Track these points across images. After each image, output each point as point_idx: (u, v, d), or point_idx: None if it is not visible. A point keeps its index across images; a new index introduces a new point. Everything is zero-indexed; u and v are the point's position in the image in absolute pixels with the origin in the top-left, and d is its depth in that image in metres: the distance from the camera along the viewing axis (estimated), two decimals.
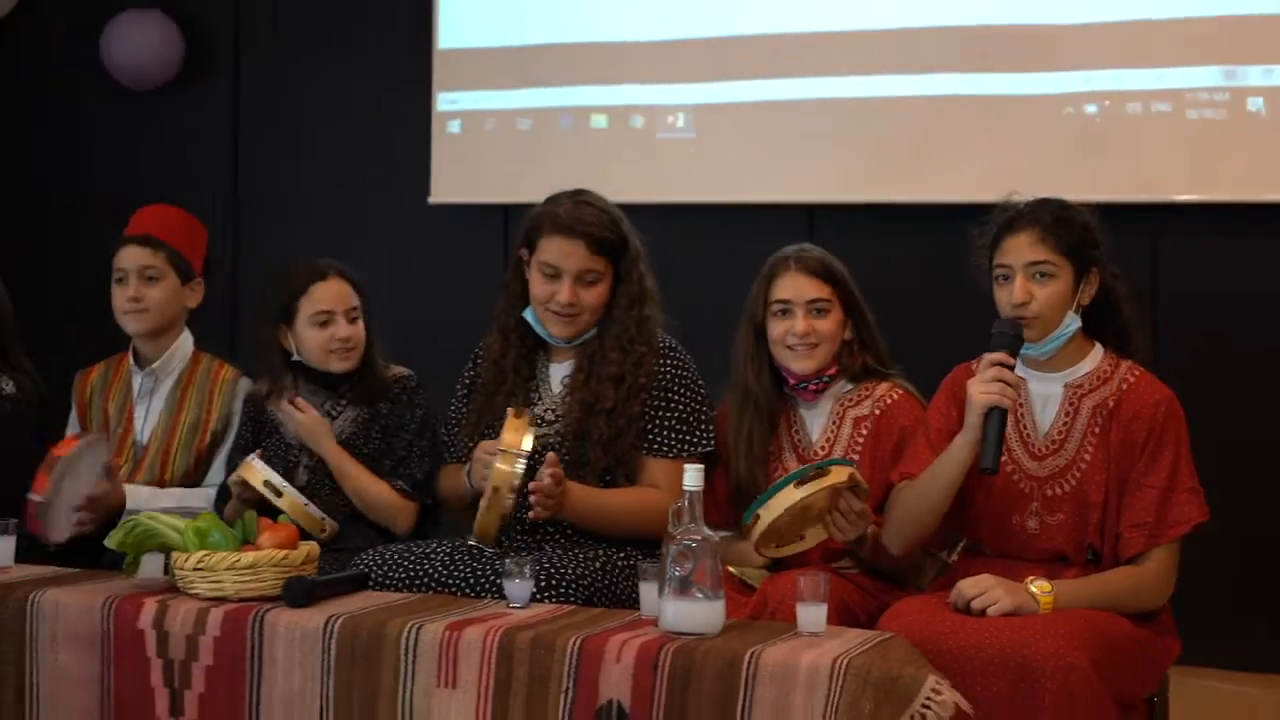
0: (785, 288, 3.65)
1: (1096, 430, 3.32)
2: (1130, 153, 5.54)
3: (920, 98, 5.78)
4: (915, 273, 5.40)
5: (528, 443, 3.52)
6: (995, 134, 5.68)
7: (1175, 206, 5.54)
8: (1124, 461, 3.29)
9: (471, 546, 3.58)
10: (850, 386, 3.67)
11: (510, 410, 3.59)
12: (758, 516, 3.30)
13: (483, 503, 3.53)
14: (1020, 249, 3.33)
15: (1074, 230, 3.35)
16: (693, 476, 3.07)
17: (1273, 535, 5.45)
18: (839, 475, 3.29)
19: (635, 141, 6.12)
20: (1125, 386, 3.34)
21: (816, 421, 3.66)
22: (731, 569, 3.58)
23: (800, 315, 3.62)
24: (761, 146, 5.97)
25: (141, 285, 4.12)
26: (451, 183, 6.34)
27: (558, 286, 3.72)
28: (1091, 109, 5.61)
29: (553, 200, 3.84)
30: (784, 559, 3.51)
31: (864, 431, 3.61)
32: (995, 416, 3.23)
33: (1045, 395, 3.38)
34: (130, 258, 4.14)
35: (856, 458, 3.58)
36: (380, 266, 6.20)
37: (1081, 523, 3.31)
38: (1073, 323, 3.34)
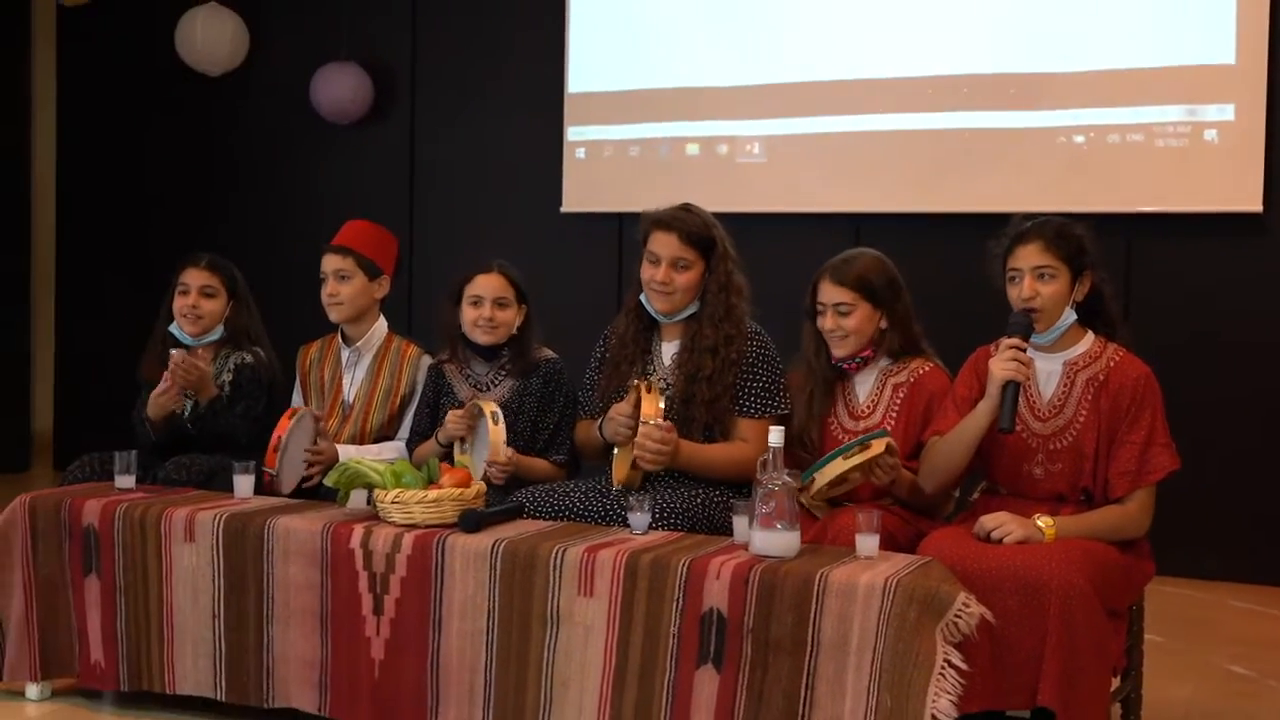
0: (822, 293, 3.58)
1: (1089, 398, 3.25)
2: (1110, 173, 5.48)
3: (945, 130, 5.73)
4: (941, 269, 5.34)
5: (660, 407, 3.52)
6: (1004, 158, 5.62)
7: (1145, 216, 5.47)
8: (1111, 423, 3.23)
9: (613, 490, 3.57)
10: (891, 361, 3.61)
11: (641, 385, 3.56)
12: (814, 479, 3.29)
13: (618, 460, 3.57)
14: (1029, 255, 3.26)
15: (1071, 242, 3.28)
16: (776, 436, 3.05)
17: (1228, 475, 5.40)
18: (877, 449, 3.26)
19: (719, 164, 6.09)
20: (1112, 364, 3.27)
21: (864, 387, 3.60)
22: (804, 500, 3.55)
23: (830, 315, 3.56)
24: (820, 168, 5.94)
25: (336, 284, 4.13)
26: (577, 196, 6.34)
27: (657, 269, 3.70)
28: (1079, 139, 5.54)
29: (651, 212, 3.83)
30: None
31: (900, 396, 3.55)
32: (1011, 388, 3.18)
33: (1048, 371, 3.31)
34: (328, 263, 4.16)
35: (895, 415, 3.53)
36: (523, 261, 6.17)
37: (1077, 470, 3.25)
38: (1070, 315, 3.27)
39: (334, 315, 4.17)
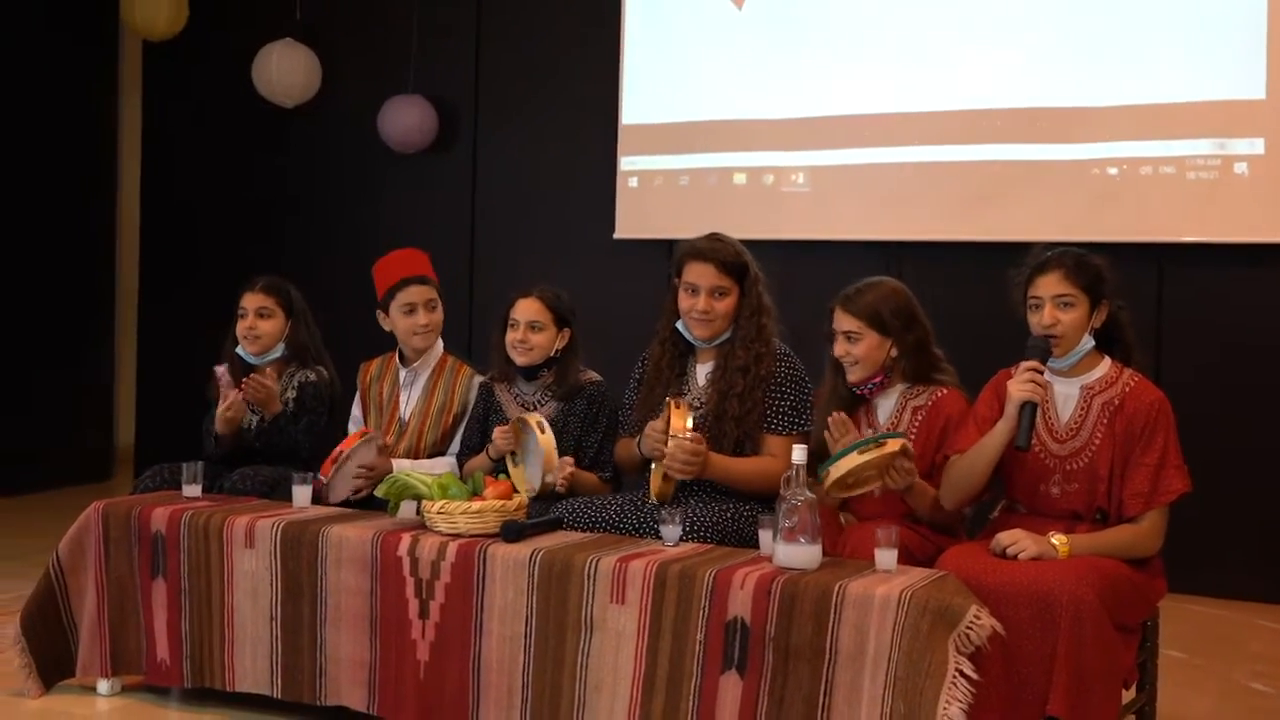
0: (835, 319, 3.61)
1: (1105, 422, 3.27)
2: (1141, 204, 5.47)
3: (981, 161, 5.74)
4: (977, 295, 5.35)
5: (689, 422, 3.58)
6: (1039, 189, 5.63)
7: (1177, 246, 5.46)
8: (1126, 445, 3.25)
9: (650, 504, 3.64)
10: (910, 385, 3.63)
11: (671, 401, 3.62)
12: (829, 472, 3.32)
13: (654, 474, 3.62)
14: (1050, 284, 3.29)
15: (1090, 272, 3.30)
16: (799, 453, 3.09)
17: (1261, 496, 5.37)
18: (892, 447, 3.30)
19: (765, 193, 6.14)
20: (1127, 389, 3.29)
21: (884, 409, 3.63)
22: (842, 519, 3.58)
23: (840, 341, 3.59)
24: (861, 198, 5.97)
25: (428, 313, 4.21)
26: (630, 223, 6.41)
27: (696, 299, 3.76)
28: (1113, 171, 5.53)
29: (693, 239, 3.89)
30: (864, 508, 3.55)
31: (920, 417, 3.58)
32: (1028, 408, 3.21)
33: (1066, 395, 3.34)
34: (418, 294, 4.20)
35: (913, 435, 3.56)
36: (578, 285, 6.24)
37: (1092, 491, 3.27)
38: (1088, 342, 3.30)
39: (424, 343, 4.25)
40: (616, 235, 6.42)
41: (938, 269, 5.66)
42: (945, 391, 3.62)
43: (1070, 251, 3.36)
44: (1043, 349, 3.27)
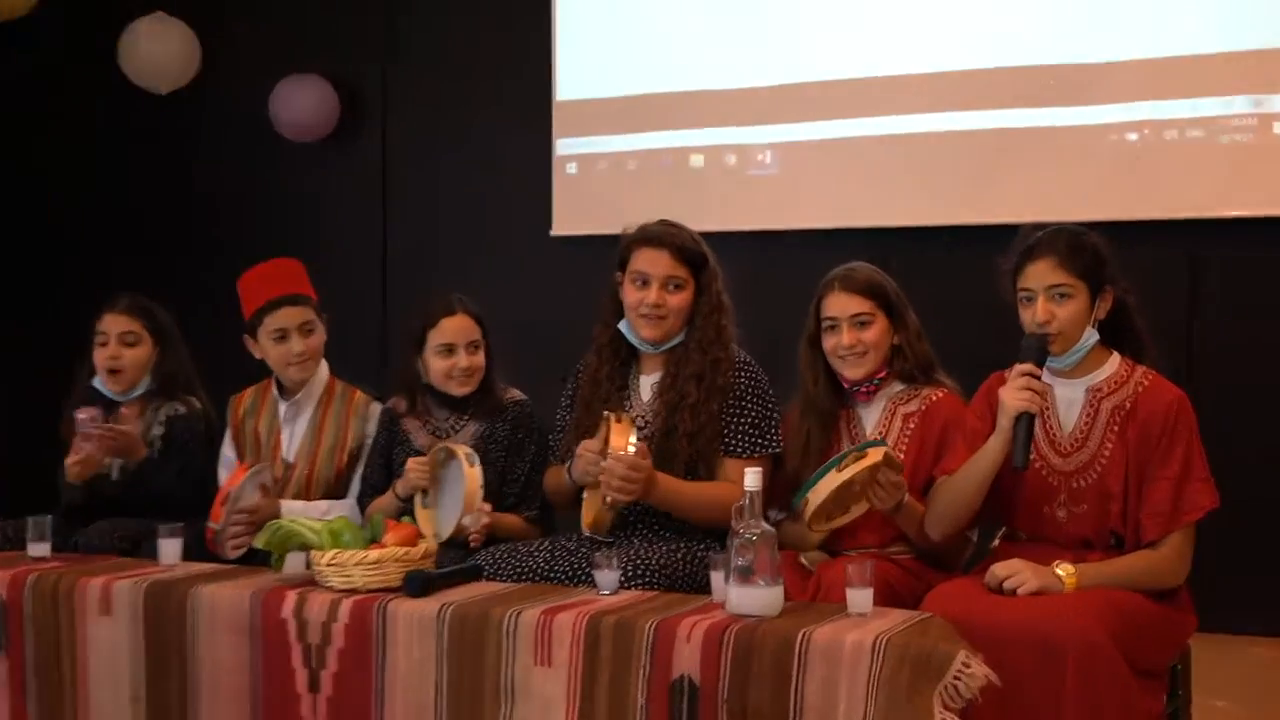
0: (832, 306, 3.65)
1: (1115, 429, 3.28)
2: (1168, 175, 5.51)
3: (979, 130, 5.78)
4: (976, 288, 5.37)
5: (633, 440, 3.56)
6: (1047, 161, 5.66)
7: (1209, 222, 5.49)
8: (1141, 456, 3.25)
9: (580, 539, 3.63)
10: (902, 388, 3.67)
11: (611, 415, 3.61)
12: (806, 500, 3.32)
13: (600, 501, 3.58)
14: (1041, 274, 3.30)
15: (1086, 255, 3.31)
16: (752, 478, 3.06)
17: None
18: (874, 456, 3.31)
19: (728, 177, 6.17)
20: (1140, 389, 3.30)
21: (871, 419, 3.65)
22: (803, 560, 3.58)
23: (845, 329, 3.61)
24: (838, 178, 6.00)
25: (304, 338, 4.15)
26: (569, 216, 6.43)
27: (646, 291, 3.75)
28: (1132, 137, 5.57)
29: (636, 227, 3.89)
30: (840, 534, 3.56)
31: (912, 425, 3.60)
32: (1025, 420, 3.21)
33: (1069, 399, 3.34)
34: (289, 317, 4.14)
35: (905, 445, 3.59)
36: (509, 290, 6.28)
37: (1104, 512, 3.27)
38: (1091, 336, 3.31)
39: (301, 374, 4.18)
40: (554, 231, 6.42)
41: (931, 259, 5.66)
42: (940, 394, 3.65)
43: (1063, 231, 3.37)
44: (1038, 348, 3.28)
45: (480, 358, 4.03)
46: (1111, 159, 5.57)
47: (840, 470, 3.31)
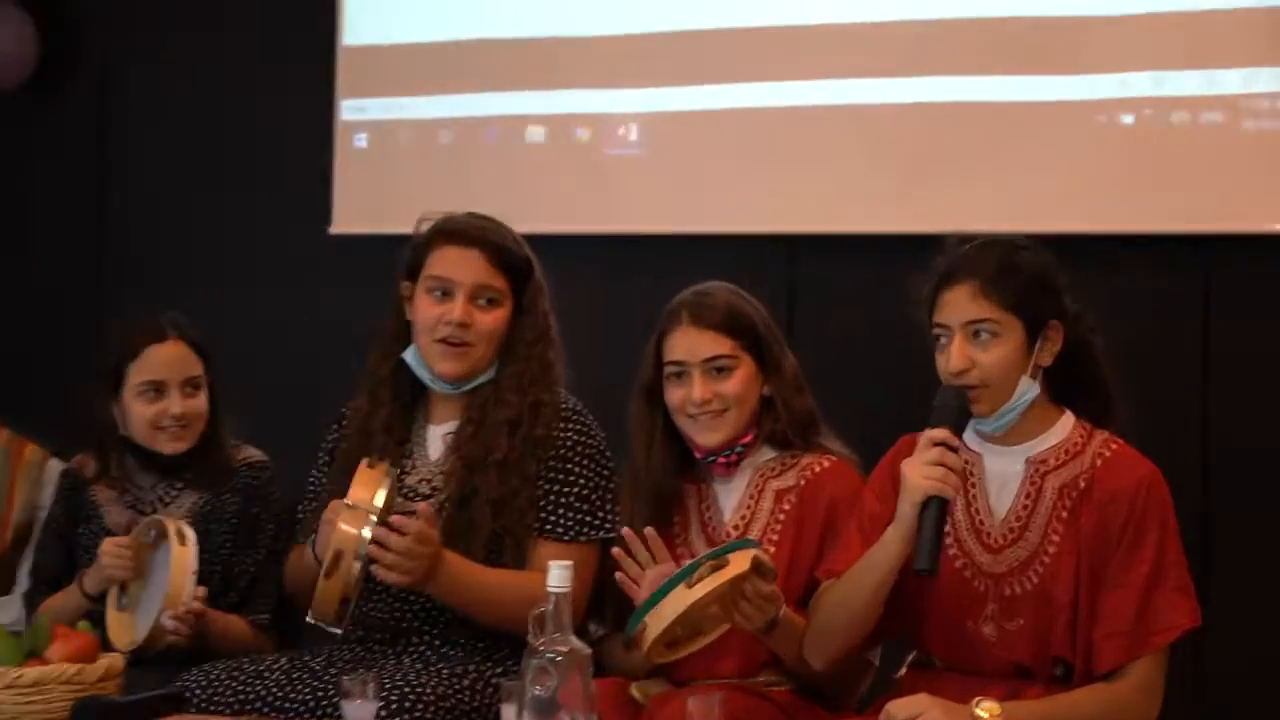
0: (677, 346, 3.70)
1: (1064, 515, 3.34)
2: (1176, 171, 5.55)
3: (922, 105, 5.79)
4: (908, 321, 5.46)
5: (380, 497, 3.58)
6: (1011, 150, 5.69)
7: (1231, 239, 5.56)
8: (1097, 554, 3.31)
9: (333, 653, 3.63)
10: (773, 455, 3.72)
11: (364, 460, 3.65)
12: (645, 625, 3.32)
13: (323, 571, 3.57)
14: (957, 305, 3.36)
15: (1020, 279, 3.38)
16: (559, 575, 3.05)
17: None
18: (739, 564, 3.31)
19: (579, 158, 6.16)
20: (1100, 462, 3.36)
21: (731, 497, 3.71)
22: (634, 691, 3.60)
23: (697, 378, 3.65)
24: (731, 165, 5.99)
25: None
26: (357, 209, 6.38)
27: (448, 305, 3.80)
28: (1128, 119, 5.62)
29: (434, 219, 3.94)
30: (690, 657, 3.55)
31: (786, 506, 3.66)
32: (934, 507, 3.24)
33: (1003, 474, 3.41)
34: None
35: (778, 535, 3.64)
36: (268, 310, 6.29)
37: (1046, 629, 3.33)
38: (1029, 390, 3.36)
39: None
40: (334, 229, 6.40)
41: (856, 275, 5.73)
42: (826, 464, 3.70)
43: (992, 245, 3.45)
44: (955, 407, 3.34)
45: (201, 401, 4.03)
46: (1097, 149, 5.61)
47: (691, 585, 3.30)
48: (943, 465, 3.25)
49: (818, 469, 3.70)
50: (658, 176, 6.10)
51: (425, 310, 3.85)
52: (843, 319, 5.71)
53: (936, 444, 3.27)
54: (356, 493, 3.57)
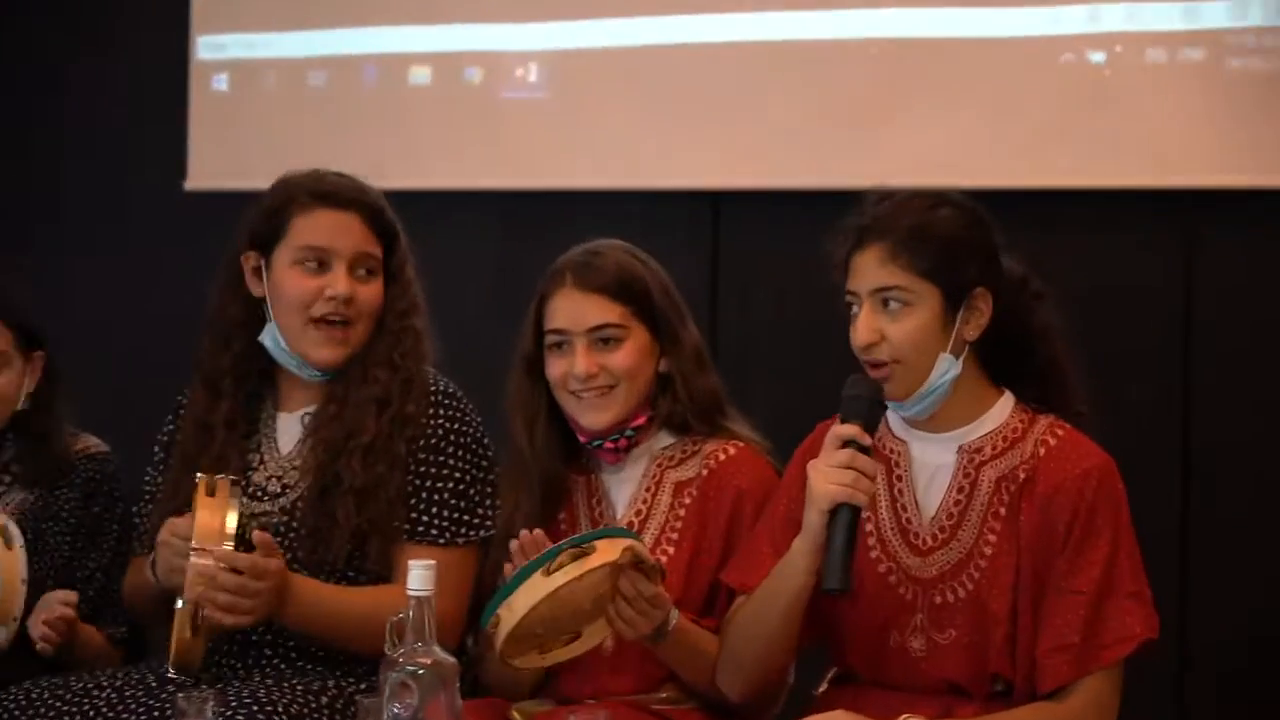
0: (559, 312, 3.69)
1: (1001, 512, 3.34)
2: (1151, 119, 5.61)
3: (865, 41, 5.85)
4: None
5: (231, 521, 3.53)
6: (964, 93, 5.76)
7: (1212, 193, 5.61)
8: (1040, 556, 3.31)
9: (170, 677, 3.61)
10: (671, 440, 3.73)
11: (199, 479, 3.58)
12: (498, 618, 3.30)
13: (176, 620, 3.54)
14: (865, 271, 3.35)
15: (938, 240, 3.35)
16: (420, 576, 3.03)
17: None
18: (608, 553, 3.28)
19: (470, 103, 6.21)
20: (1043, 450, 3.36)
21: (624, 489, 3.72)
22: (514, 713, 3.61)
23: (581, 350, 3.65)
24: (646, 110, 6.05)
25: None
26: (214, 160, 6.43)
27: (328, 278, 3.77)
28: (1098, 57, 5.67)
29: (291, 179, 3.92)
30: (577, 672, 3.59)
31: (687, 499, 3.66)
32: (844, 516, 3.21)
33: (932, 464, 3.41)
34: None
35: (675, 535, 3.64)
36: (112, 279, 6.29)
37: (982, 641, 3.33)
38: (950, 368, 3.35)
39: None
40: (190, 184, 6.40)
41: (783, 237, 5.75)
42: (733, 450, 3.70)
43: (912, 203, 3.41)
44: (868, 399, 3.32)
45: (13, 379, 4.01)
46: (1064, 91, 5.67)
47: (549, 573, 3.28)
48: (853, 469, 3.22)
49: (722, 457, 3.68)
50: (561, 124, 6.15)
51: (295, 285, 3.79)
52: (772, 287, 5.74)
53: (845, 443, 3.25)
54: (203, 521, 3.50)
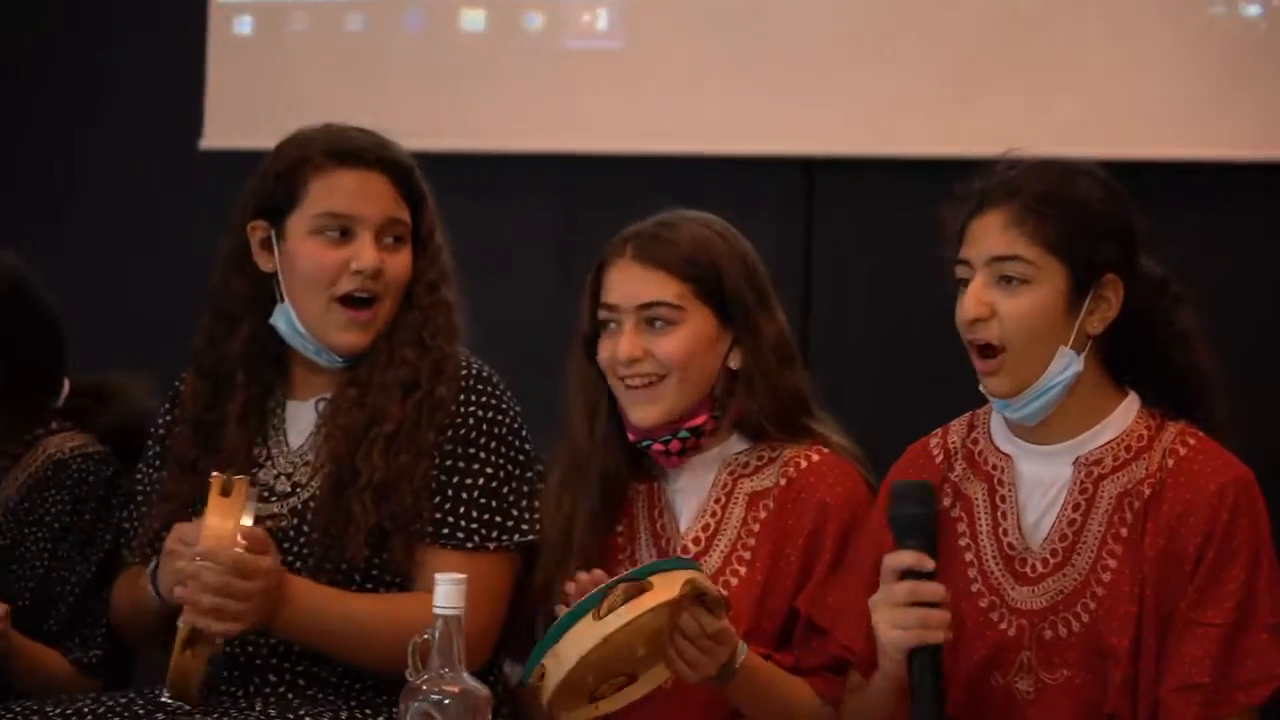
0: (613, 286, 3.69)
1: (1124, 532, 3.33)
2: None
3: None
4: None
5: (247, 522, 3.53)
6: (1092, 52, 5.76)
7: None
8: (1167, 584, 3.29)
9: (162, 703, 3.62)
10: (745, 445, 3.72)
11: (214, 478, 3.55)
12: (544, 668, 3.28)
13: (178, 638, 3.53)
14: (984, 235, 3.34)
15: (1073, 210, 3.34)
16: (448, 592, 3.03)
17: None
18: (665, 591, 3.25)
19: (529, 54, 6.23)
20: (1172, 462, 3.34)
21: (689, 500, 3.71)
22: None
23: (629, 329, 3.65)
24: (731, 65, 6.07)
25: None
26: (238, 116, 6.44)
27: (353, 248, 3.75)
28: (1253, 10, 5.66)
29: (304, 135, 3.91)
30: (639, 714, 3.55)
31: (762, 514, 3.65)
32: (925, 657, 3.20)
33: (1043, 480, 3.40)
34: None
35: (748, 555, 3.63)
36: (123, 248, 6.31)
37: (1098, 681, 3.31)
38: (1070, 364, 3.33)
39: None
40: (206, 143, 6.43)
41: (879, 208, 5.76)
42: (817, 457, 3.69)
43: (1048, 168, 3.42)
44: (921, 514, 3.26)
45: None
46: (1208, 49, 5.66)
47: (599, 616, 3.25)
48: (917, 605, 3.19)
49: (803, 464, 3.66)
50: (633, 78, 6.16)
51: (316, 258, 3.77)
52: (872, 267, 5.74)
53: (902, 574, 3.21)
54: (212, 526, 3.46)
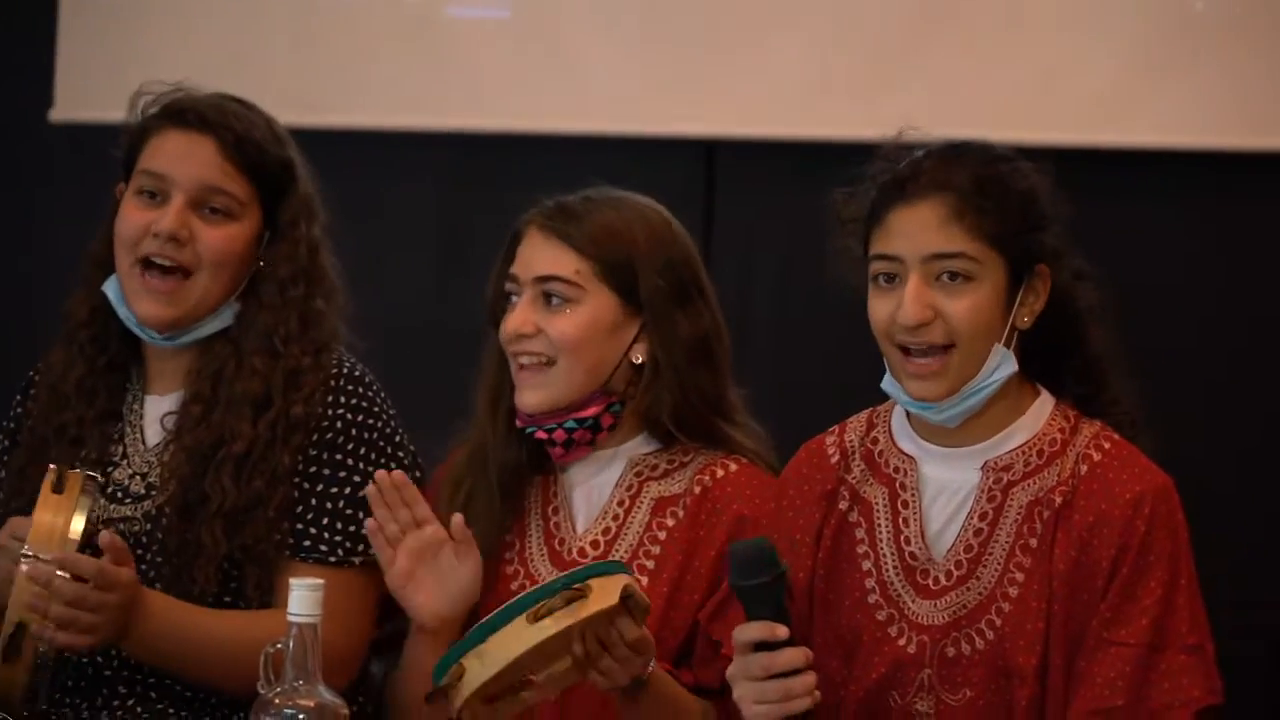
0: (519, 257, 3.71)
1: (1032, 544, 3.35)
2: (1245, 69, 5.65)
3: None
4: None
5: (77, 525, 3.52)
6: (1012, 28, 5.80)
7: None
8: (1078, 600, 3.32)
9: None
10: (654, 446, 3.74)
11: (50, 470, 3.58)
12: (462, 668, 3.25)
13: (10, 641, 3.54)
14: (918, 231, 3.33)
15: (1012, 201, 3.37)
16: (302, 599, 3.03)
17: None
18: (605, 597, 3.24)
19: (409, 23, 6.22)
20: (1085, 468, 3.36)
21: (590, 497, 3.73)
22: None
23: (524, 301, 3.67)
24: (630, 39, 6.10)
25: None
26: (91, 86, 6.41)
27: (159, 211, 3.76)
28: None
29: (170, 92, 3.93)
30: None
31: (670, 522, 3.67)
32: None
33: (948, 486, 3.42)
34: None
35: (651, 564, 3.65)
36: None
37: (1003, 702, 3.34)
38: (1002, 364, 3.35)
39: None
40: (57, 115, 6.42)
41: (783, 191, 5.78)
42: (734, 467, 3.72)
43: (968, 153, 3.43)
44: (764, 582, 3.20)
45: None
46: (1160, 31, 5.71)
47: (535, 619, 3.23)
48: (774, 676, 3.17)
49: (719, 473, 3.69)
50: (523, 51, 6.17)
51: (126, 217, 3.82)
52: (777, 254, 5.77)
53: (751, 646, 3.19)
54: (42, 522, 3.49)
